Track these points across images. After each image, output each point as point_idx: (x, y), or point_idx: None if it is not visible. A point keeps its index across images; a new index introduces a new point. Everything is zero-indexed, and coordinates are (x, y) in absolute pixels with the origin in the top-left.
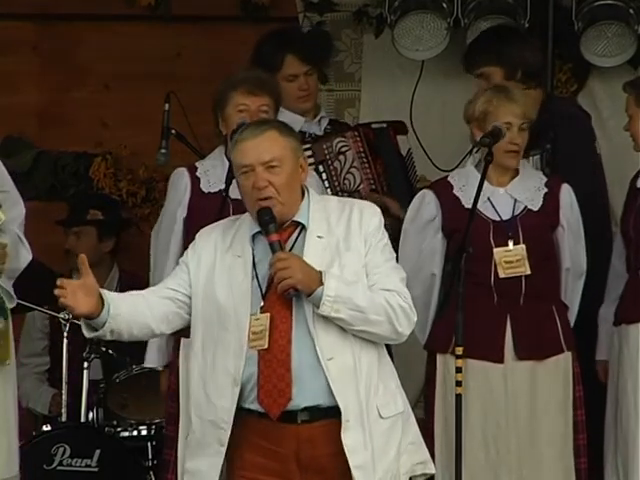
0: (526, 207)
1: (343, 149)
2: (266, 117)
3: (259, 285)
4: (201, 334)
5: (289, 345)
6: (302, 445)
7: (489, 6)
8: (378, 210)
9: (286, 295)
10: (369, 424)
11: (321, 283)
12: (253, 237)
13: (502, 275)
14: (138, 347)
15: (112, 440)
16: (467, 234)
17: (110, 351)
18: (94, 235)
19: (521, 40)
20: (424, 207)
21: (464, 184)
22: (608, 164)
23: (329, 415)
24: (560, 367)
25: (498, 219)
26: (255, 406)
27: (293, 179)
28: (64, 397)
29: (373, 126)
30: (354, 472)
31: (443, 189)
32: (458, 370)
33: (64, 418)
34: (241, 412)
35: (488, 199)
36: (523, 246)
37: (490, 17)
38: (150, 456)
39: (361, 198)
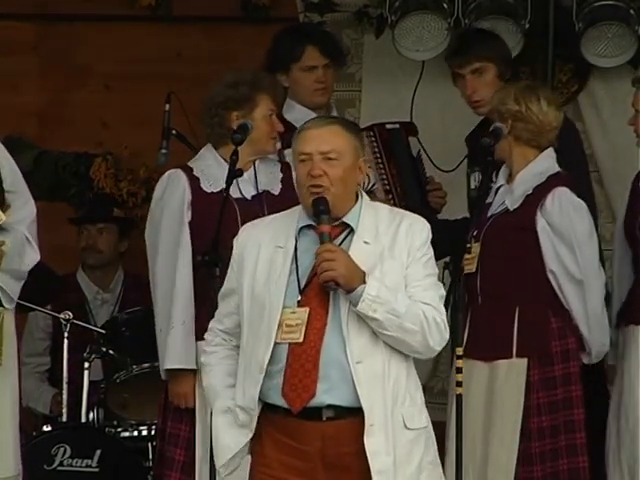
0: (506, 207)
1: None
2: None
3: (298, 278)
4: (246, 331)
5: (320, 342)
6: (327, 443)
7: (489, 6)
8: (428, 225)
9: (325, 287)
10: (393, 431)
11: (363, 282)
12: (300, 230)
13: (465, 271)
14: (139, 347)
15: (112, 440)
16: (467, 233)
17: (111, 351)
18: (116, 233)
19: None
20: None
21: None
22: (608, 164)
23: (354, 414)
24: (512, 372)
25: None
26: (280, 400)
27: (349, 176)
28: (65, 397)
29: (387, 126)
30: (374, 477)
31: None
32: (458, 370)
33: (65, 418)
34: (266, 409)
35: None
36: (478, 244)
37: (490, 17)
38: (150, 456)
39: (375, 198)
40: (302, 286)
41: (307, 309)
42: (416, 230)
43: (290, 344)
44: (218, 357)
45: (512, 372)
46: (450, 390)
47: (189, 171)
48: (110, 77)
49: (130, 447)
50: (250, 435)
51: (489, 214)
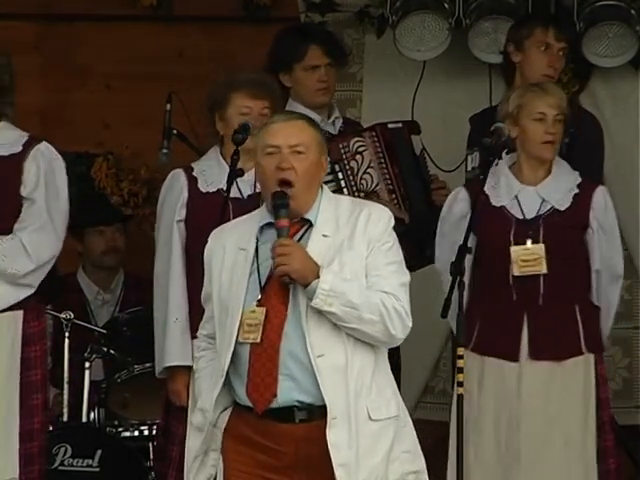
0: (553, 207)
1: (360, 149)
2: (264, 120)
3: (259, 277)
4: (218, 335)
5: (279, 339)
6: (300, 444)
7: (491, 6)
8: (388, 214)
9: (282, 282)
10: (356, 424)
11: (318, 276)
12: (261, 229)
13: (516, 273)
14: (139, 347)
15: (113, 440)
16: (467, 231)
17: (112, 351)
18: (124, 232)
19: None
20: (456, 204)
21: (495, 182)
22: (609, 164)
23: (324, 413)
24: (580, 369)
25: (522, 217)
26: (246, 401)
27: (314, 171)
28: (65, 397)
29: (390, 126)
30: (337, 470)
31: (475, 188)
32: (460, 370)
33: (65, 418)
34: (239, 410)
35: (515, 197)
36: (542, 245)
37: (491, 17)
38: (151, 456)
39: (378, 198)
40: (262, 284)
41: (264, 309)
42: (375, 219)
43: (251, 344)
44: (205, 361)
45: (580, 368)
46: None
47: (189, 171)
48: (111, 77)
49: (131, 447)
50: (203, 437)
51: (527, 216)
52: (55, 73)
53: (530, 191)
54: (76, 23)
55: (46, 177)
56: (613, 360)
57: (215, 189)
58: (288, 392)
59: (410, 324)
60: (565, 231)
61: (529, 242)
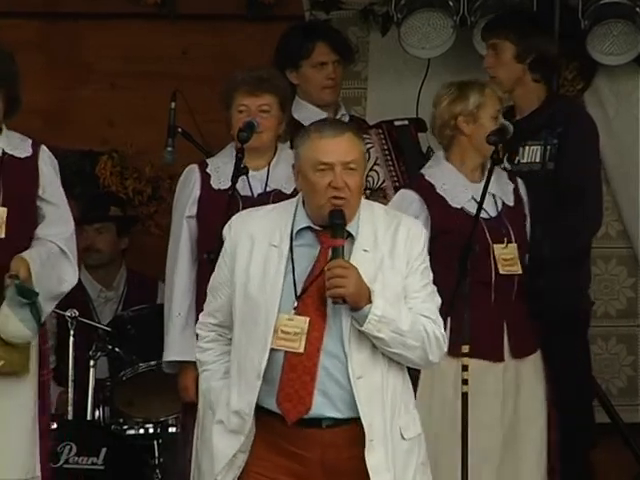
0: (504, 203)
1: (367, 146)
2: (267, 116)
3: (294, 283)
4: (238, 330)
5: (318, 354)
6: (327, 449)
7: (495, 4)
8: (424, 231)
9: (333, 302)
10: (392, 445)
11: (369, 301)
12: (297, 231)
13: (501, 272)
14: (144, 345)
15: (118, 438)
16: (473, 233)
17: (116, 349)
18: (114, 232)
19: (544, 30)
20: (405, 207)
21: (444, 182)
22: (613, 162)
23: (352, 422)
24: (538, 365)
25: (487, 217)
26: (274, 408)
27: (362, 185)
28: (70, 395)
29: (396, 123)
30: None
31: (425, 189)
32: (465, 368)
33: (70, 416)
34: (264, 414)
35: (472, 197)
36: (515, 245)
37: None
38: (157, 454)
39: (385, 196)
40: (299, 292)
41: (307, 319)
42: (414, 236)
43: (286, 352)
44: (215, 354)
45: (538, 364)
46: None
47: (203, 167)
48: (115, 75)
49: (136, 445)
50: (242, 439)
51: (491, 214)
52: (59, 71)
53: (480, 189)
54: (80, 21)
55: (57, 180)
56: (618, 358)
57: (227, 186)
58: (320, 407)
59: (445, 349)
60: (521, 227)
61: (505, 241)
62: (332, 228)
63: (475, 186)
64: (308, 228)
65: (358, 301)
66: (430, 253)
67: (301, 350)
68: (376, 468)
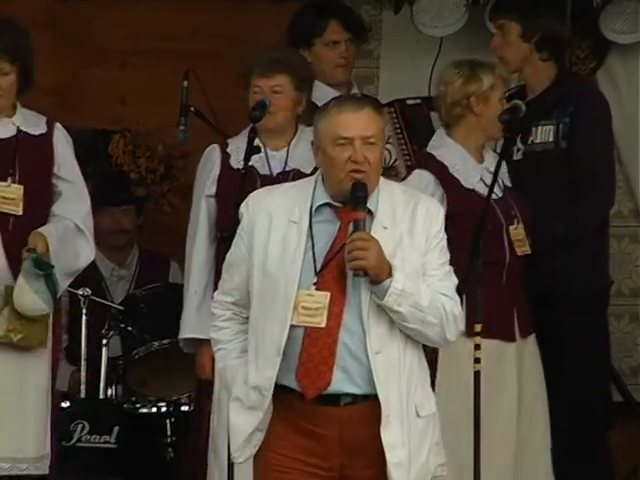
0: (504, 184)
1: None
2: (280, 97)
3: (314, 259)
4: (256, 306)
5: (338, 329)
6: (345, 427)
7: None
8: (442, 210)
9: (354, 275)
10: (408, 421)
11: (390, 275)
12: (316, 208)
13: (519, 253)
14: (157, 323)
15: (131, 417)
16: (485, 213)
17: (129, 328)
18: (134, 212)
19: (552, 8)
20: (423, 187)
21: (455, 163)
22: (626, 141)
23: (370, 399)
24: (535, 343)
25: (496, 197)
26: (293, 384)
27: (382, 160)
28: (83, 374)
29: (408, 102)
30: (391, 469)
31: (439, 170)
32: (477, 347)
33: (83, 395)
34: (282, 391)
35: (480, 178)
36: (522, 225)
37: None
38: (169, 432)
39: (396, 174)
40: (318, 268)
41: (328, 294)
42: (433, 215)
43: (306, 327)
44: (231, 333)
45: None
46: None
47: (224, 147)
48: (127, 54)
49: (149, 423)
50: (261, 416)
51: (500, 195)
52: (70, 50)
53: (484, 169)
54: (91, 0)
55: (72, 157)
56: (631, 336)
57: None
58: (340, 383)
59: (462, 328)
60: (525, 207)
61: (515, 222)
62: (353, 201)
63: (479, 167)
64: (327, 205)
65: (379, 274)
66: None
67: (323, 325)
68: (392, 444)
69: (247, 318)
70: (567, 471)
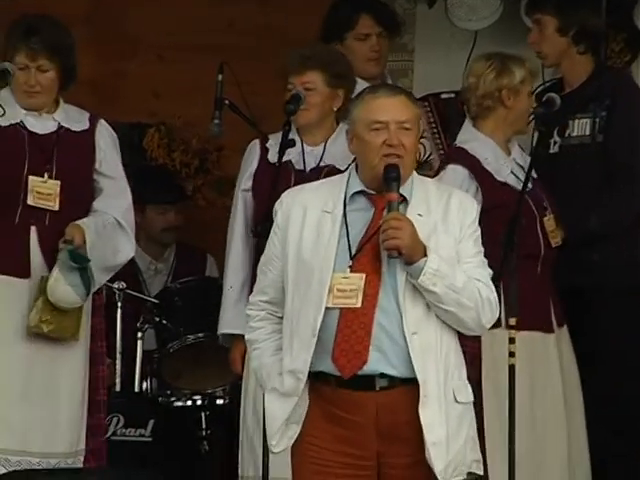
0: (532, 176)
1: None
2: (312, 93)
3: (349, 244)
4: (291, 295)
5: (374, 309)
6: (381, 412)
7: None
8: (475, 203)
9: (388, 255)
10: (445, 404)
11: (424, 255)
12: (351, 196)
13: (553, 245)
14: (192, 317)
15: (166, 410)
16: (520, 207)
17: (164, 321)
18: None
19: (587, 2)
20: (459, 183)
21: (486, 157)
22: None
23: (406, 384)
24: (568, 335)
25: (528, 189)
26: (330, 366)
27: (416, 147)
28: (118, 367)
29: (443, 96)
30: (430, 448)
31: (473, 165)
32: (511, 341)
33: (118, 388)
34: (315, 380)
35: (512, 171)
36: (552, 216)
37: None
38: (204, 426)
39: (431, 168)
40: (353, 253)
41: (363, 275)
42: (467, 206)
43: (342, 309)
44: (265, 333)
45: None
46: None
47: (264, 142)
48: (163, 47)
49: (184, 417)
50: (296, 400)
51: (530, 187)
52: (106, 45)
53: (514, 164)
54: None
55: (115, 153)
56: None
57: (283, 161)
58: (376, 363)
59: (497, 315)
60: (553, 198)
61: (548, 213)
62: (386, 182)
63: (509, 159)
64: (362, 193)
65: (413, 254)
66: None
67: (358, 305)
68: (430, 424)
69: (281, 318)
70: (604, 466)
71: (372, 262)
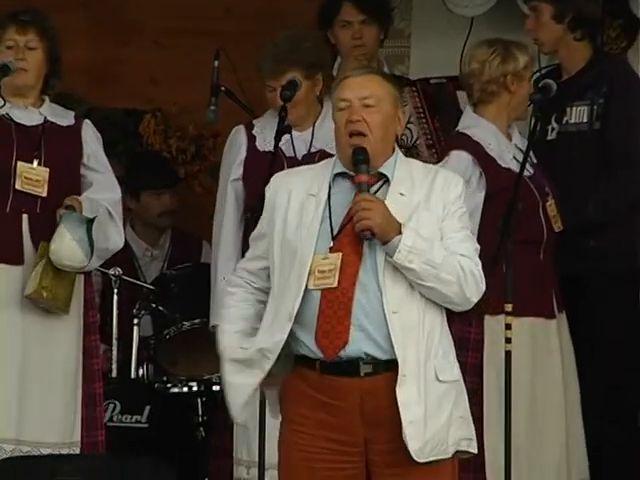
0: (531, 159)
1: None
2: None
3: (331, 226)
4: (277, 278)
5: (353, 288)
6: (365, 397)
7: None
8: (462, 180)
9: (362, 236)
10: (425, 383)
11: (399, 233)
12: (334, 179)
13: (556, 229)
14: (188, 303)
15: (162, 396)
16: (517, 191)
17: (160, 307)
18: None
19: None
20: (463, 169)
21: (490, 142)
22: None
23: (389, 368)
24: (566, 320)
25: (529, 174)
26: (314, 348)
27: (388, 125)
28: (114, 353)
29: (431, 81)
30: (405, 427)
31: (476, 150)
32: (508, 327)
33: (114, 374)
34: (301, 365)
35: (514, 157)
36: (554, 200)
37: None
38: (200, 412)
39: (418, 153)
40: (335, 233)
41: (340, 254)
42: (451, 184)
43: (323, 290)
44: (236, 300)
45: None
46: None
47: (250, 128)
48: (159, 33)
49: (180, 403)
50: (262, 376)
51: (532, 172)
52: (103, 30)
53: (516, 149)
54: None
55: (102, 150)
56: None
57: (272, 148)
58: (358, 342)
59: (484, 287)
60: (552, 180)
61: (549, 198)
62: (355, 165)
63: (510, 145)
64: (344, 175)
65: (386, 233)
66: (483, 214)
67: (335, 284)
68: (406, 402)
69: (258, 289)
70: (599, 454)
71: (353, 242)
